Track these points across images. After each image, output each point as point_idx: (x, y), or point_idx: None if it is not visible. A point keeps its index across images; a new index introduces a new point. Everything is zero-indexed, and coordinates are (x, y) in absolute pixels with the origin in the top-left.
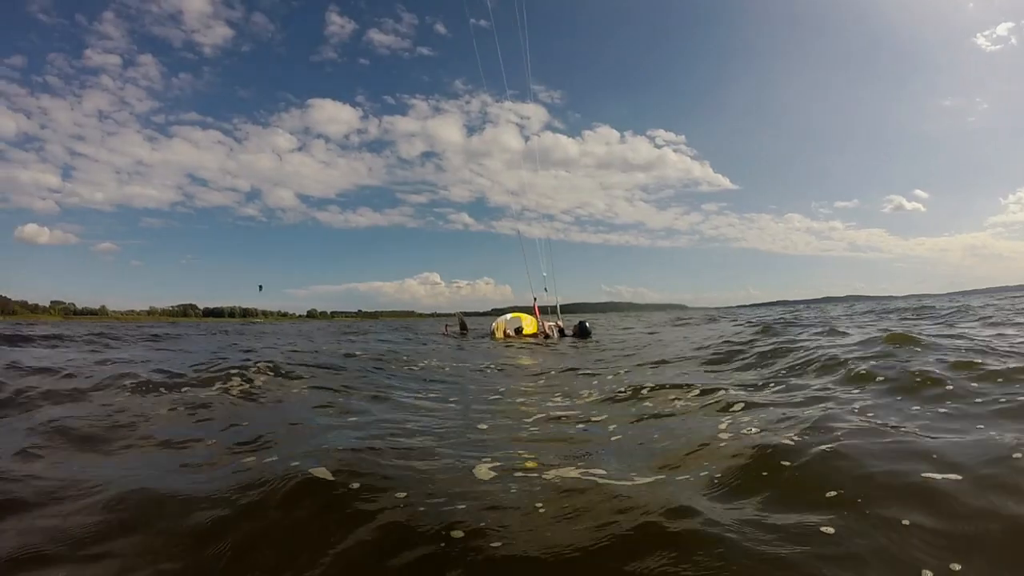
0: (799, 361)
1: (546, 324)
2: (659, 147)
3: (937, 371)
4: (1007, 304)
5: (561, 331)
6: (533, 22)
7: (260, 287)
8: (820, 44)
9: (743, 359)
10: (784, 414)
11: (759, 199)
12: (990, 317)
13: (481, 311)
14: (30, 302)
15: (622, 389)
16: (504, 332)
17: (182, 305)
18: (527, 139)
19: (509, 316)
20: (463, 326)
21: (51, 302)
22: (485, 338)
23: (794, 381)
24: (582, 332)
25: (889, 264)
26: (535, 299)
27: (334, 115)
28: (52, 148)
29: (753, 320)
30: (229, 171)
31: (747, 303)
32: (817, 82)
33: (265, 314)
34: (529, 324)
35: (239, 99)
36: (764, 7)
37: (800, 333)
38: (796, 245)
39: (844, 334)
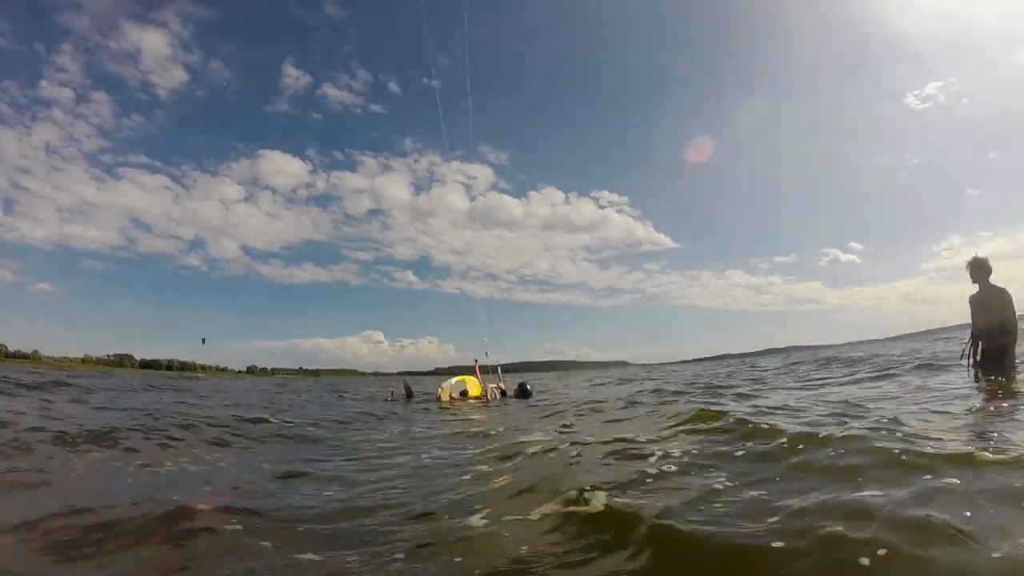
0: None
1: (488, 387)
2: (603, 208)
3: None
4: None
5: (503, 392)
6: (483, 83)
7: (203, 340)
8: (757, 104)
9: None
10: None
11: (700, 257)
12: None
13: (424, 371)
14: None
15: (556, 444)
16: (450, 395)
17: (118, 355)
18: (473, 199)
19: (454, 380)
20: (408, 391)
21: None
22: (429, 402)
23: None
24: (523, 393)
25: (826, 315)
26: (476, 360)
27: (283, 167)
28: None
29: (671, 381)
30: (174, 218)
31: (689, 358)
32: (754, 142)
33: (204, 368)
34: (473, 386)
35: (189, 145)
36: (706, 70)
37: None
38: (736, 301)
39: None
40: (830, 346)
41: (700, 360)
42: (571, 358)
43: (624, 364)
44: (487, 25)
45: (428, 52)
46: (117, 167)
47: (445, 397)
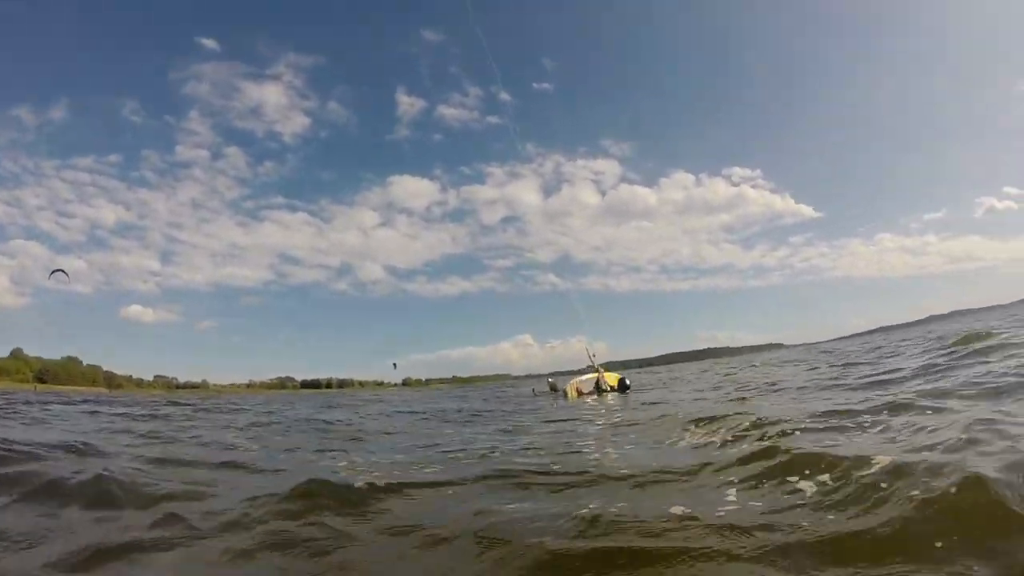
0: None
1: (587, 381)
2: (736, 184)
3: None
4: None
5: (598, 386)
6: (594, 77)
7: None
8: (885, 44)
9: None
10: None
11: (845, 223)
12: None
13: (575, 368)
14: (135, 377)
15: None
16: (577, 390)
17: (280, 378)
18: (604, 194)
19: (583, 378)
20: (553, 387)
21: (155, 376)
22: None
23: None
24: (621, 387)
25: (992, 272)
26: (592, 356)
27: (414, 190)
28: (151, 235)
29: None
30: (319, 249)
31: (847, 333)
32: (883, 88)
33: (361, 383)
34: (586, 384)
35: (322, 181)
36: (811, 19)
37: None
38: (892, 266)
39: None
40: (999, 307)
41: (859, 335)
42: (724, 344)
43: (780, 346)
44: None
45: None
46: (259, 210)
47: (573, 393)
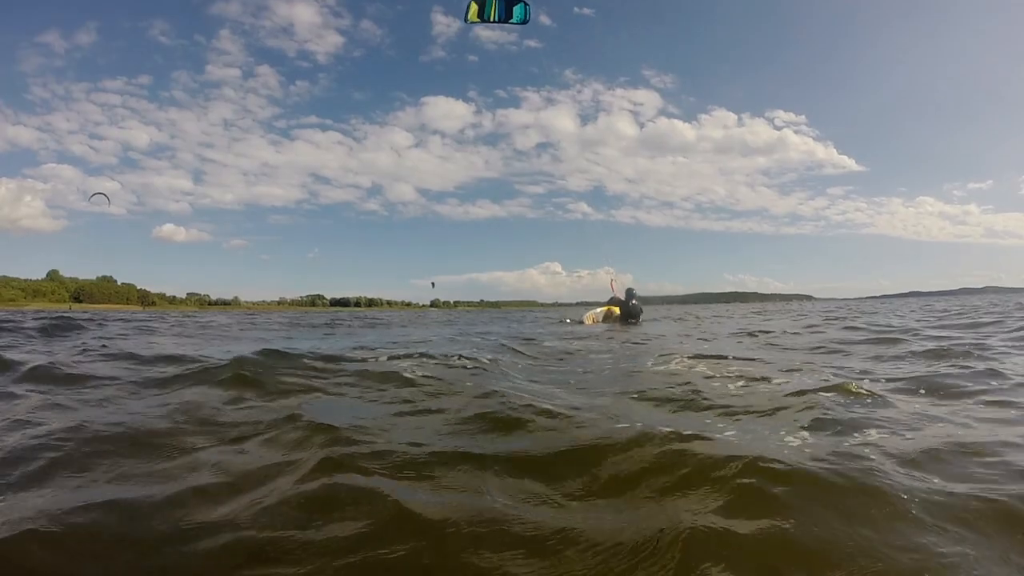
0: None
1: (600, 312)
2: (779, 128)
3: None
4: None
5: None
6: (639, 2)
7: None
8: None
9: None
10: None
11: (887, 181)
12: None
13: (603, 300)
14: (168, 294)
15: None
16: (593, 319)
17: (310, 295)
18: (642, 125)
19: (598, 309)
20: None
21: (188, 294)
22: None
23: None
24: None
25: None
26: (612, 281)
27: (448, 111)
28: (183, 156)
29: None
30: (350, 169)
31: (878, 294)
32: (945, 51)
33: (390, 303)
34: (599, 314)
35: (355, 101)
36: None
37: None
38: (929, 231)
39: None
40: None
41: (889, 296)
42: (752, 290)
43: (809, 298)
44: None
45: None
46: (291, 130)
47: (589, 321)
